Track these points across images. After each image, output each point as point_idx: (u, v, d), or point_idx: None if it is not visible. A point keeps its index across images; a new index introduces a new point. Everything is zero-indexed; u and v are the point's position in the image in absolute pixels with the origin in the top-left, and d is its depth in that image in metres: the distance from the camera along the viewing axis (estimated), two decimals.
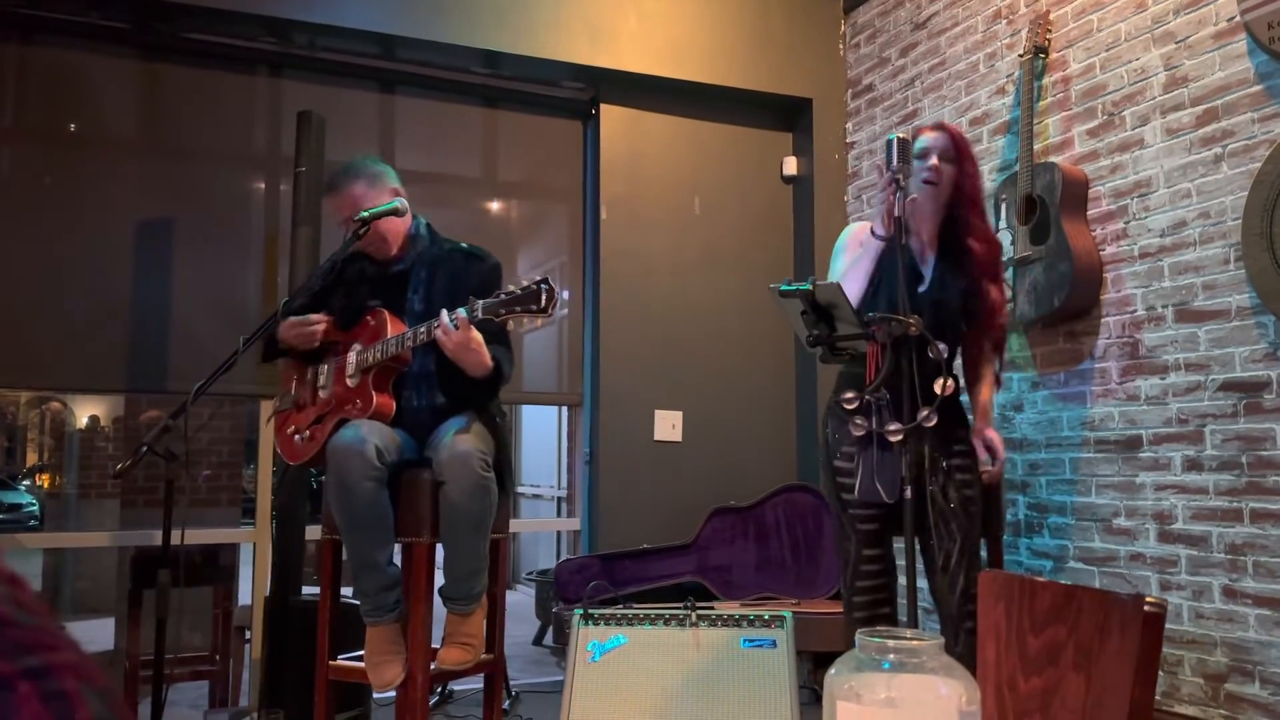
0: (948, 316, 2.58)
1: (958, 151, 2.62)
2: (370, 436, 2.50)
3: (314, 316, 2.74)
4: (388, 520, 2.54)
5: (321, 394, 2.78)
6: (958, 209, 2.63)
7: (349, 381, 2.70)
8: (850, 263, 2.62)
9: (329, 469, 2.53)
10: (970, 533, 2.55)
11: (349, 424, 2.58)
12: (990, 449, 2.63)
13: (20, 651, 0.45)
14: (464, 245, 2.86)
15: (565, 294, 4.48)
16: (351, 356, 2.71)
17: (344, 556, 2.64)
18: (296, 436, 2.79)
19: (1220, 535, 2.83)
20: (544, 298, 2.36)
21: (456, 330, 2.46)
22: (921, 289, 2.61)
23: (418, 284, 2.79)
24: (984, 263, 2.61)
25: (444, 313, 2.49)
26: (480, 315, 2.46)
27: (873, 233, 2.55)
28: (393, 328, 2.67)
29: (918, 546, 2.33)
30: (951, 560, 2.52)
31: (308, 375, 2.84)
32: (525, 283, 2.40)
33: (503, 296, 2.43)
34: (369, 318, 2.74)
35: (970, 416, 2.72)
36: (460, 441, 2.53)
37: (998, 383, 2.78)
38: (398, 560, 2.63)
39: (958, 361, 2.72)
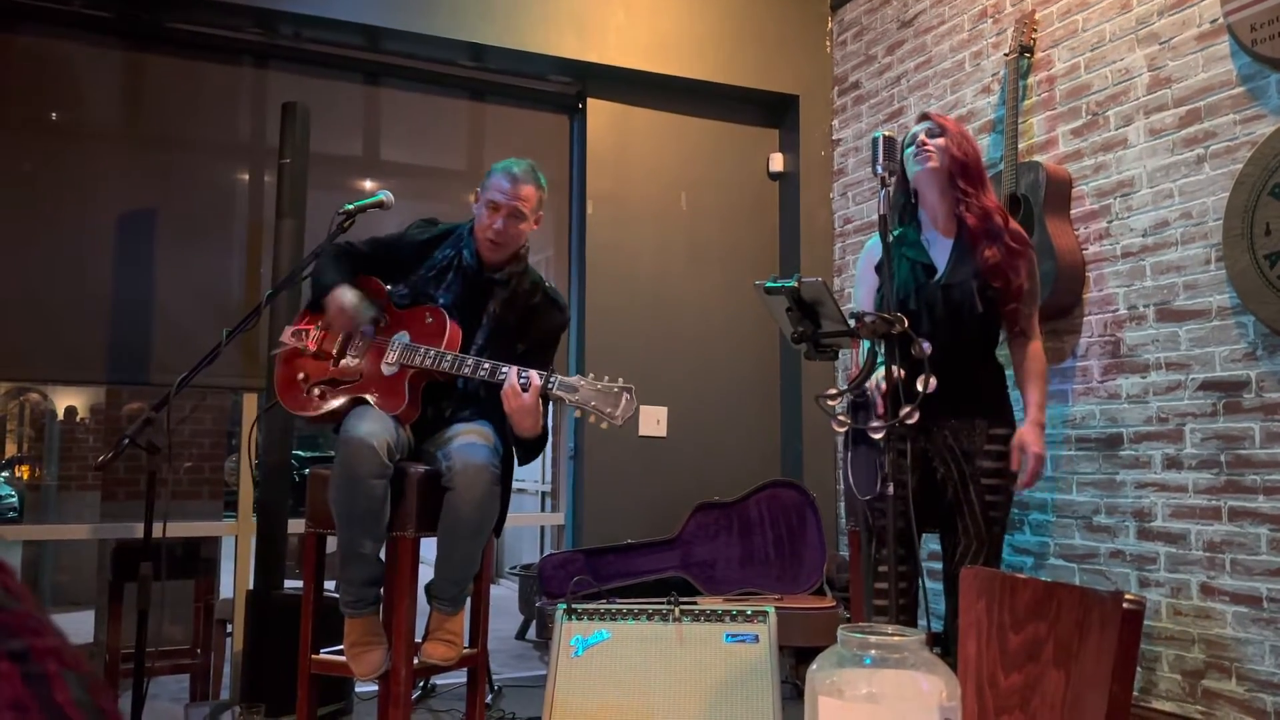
0: (962, 299, 2.54)
1: (941, 126, 2.62)
2: (384, 434, 2.45)
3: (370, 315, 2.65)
4: (385, 516, 2.50)
5: (349, 359, 2.65)
6: (957, 181, 2.59)
7: (384, 369, 2.60)
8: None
9: (338, 459, 2.45)
10: (988, 536, 2.53)
11: (365, 413, 2.50)
12: (1023, 449, 2.51)
13: (4, 634, 0.46)
14: (548, 285, 2.79)
15: None
16: (398, 344, 2.60)
17: (337, 545, 2.58)
18: (305, 386, 2.65)
19: (1199, 533, 2.86)
20: (622, 404, 2.36)
21: (526, 394, 2.42)
22: (935, 279, 2.59)
23: (498, 301, 2.70)
24: (979, 232, 2.55)
25: (514, 370, 2.44)
26: (555, 393, 2.42)
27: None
28: (450, 334, 2.59)
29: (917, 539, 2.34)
30: (967, 559, 2.52)
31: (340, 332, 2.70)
32: (609, 380, 2.38)
33: (583, 384, 2.40)
34: (428, 314, 2.64)
35: (1021, 414, 2.63)
36: (476, 453, 2.50)
37: (1038, 374, 2.61)
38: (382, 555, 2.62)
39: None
